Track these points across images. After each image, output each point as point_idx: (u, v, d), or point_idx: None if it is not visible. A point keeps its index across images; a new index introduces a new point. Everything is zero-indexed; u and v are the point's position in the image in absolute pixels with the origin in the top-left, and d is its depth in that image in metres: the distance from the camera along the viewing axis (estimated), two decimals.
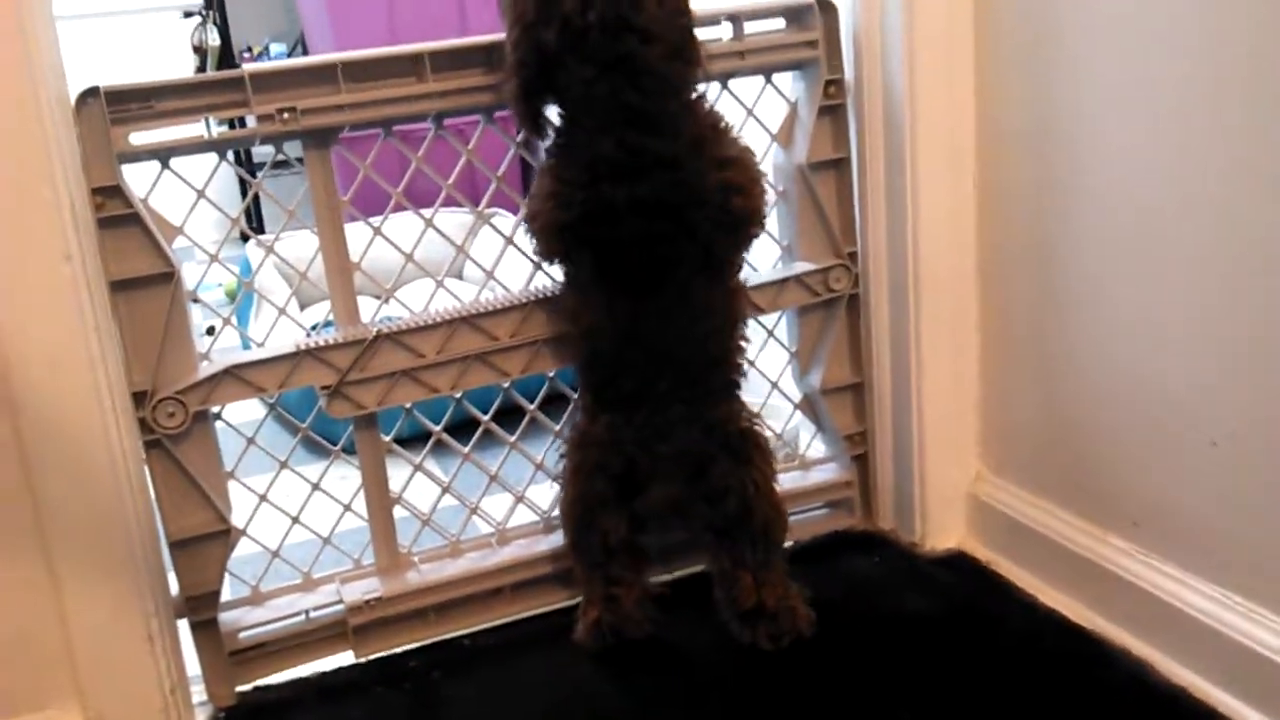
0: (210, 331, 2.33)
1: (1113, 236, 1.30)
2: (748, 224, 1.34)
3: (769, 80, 1.54)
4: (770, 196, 1.42)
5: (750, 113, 1.53)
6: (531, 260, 1.44)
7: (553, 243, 1.35)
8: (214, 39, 3.95)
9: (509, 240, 1.50)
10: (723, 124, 1.34)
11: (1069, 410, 1.41)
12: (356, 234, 1.44)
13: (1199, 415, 1.23)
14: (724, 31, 1.47)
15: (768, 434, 1.45)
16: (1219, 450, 1.21)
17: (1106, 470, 1.37)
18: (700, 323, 1.35)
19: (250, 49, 4.07)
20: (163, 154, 1.31)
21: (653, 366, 1.34)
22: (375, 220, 1.44)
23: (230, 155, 1.39)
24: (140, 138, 1.28)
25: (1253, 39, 1.09)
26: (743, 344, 1.41)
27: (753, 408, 1.45)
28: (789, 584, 1.42)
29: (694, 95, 1.31)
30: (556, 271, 1.43)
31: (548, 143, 1.34)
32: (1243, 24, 1.10)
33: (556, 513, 1.56)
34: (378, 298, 1.56)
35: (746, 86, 1.53)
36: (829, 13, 1.50)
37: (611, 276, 1.32)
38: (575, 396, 1.48)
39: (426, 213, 1.46)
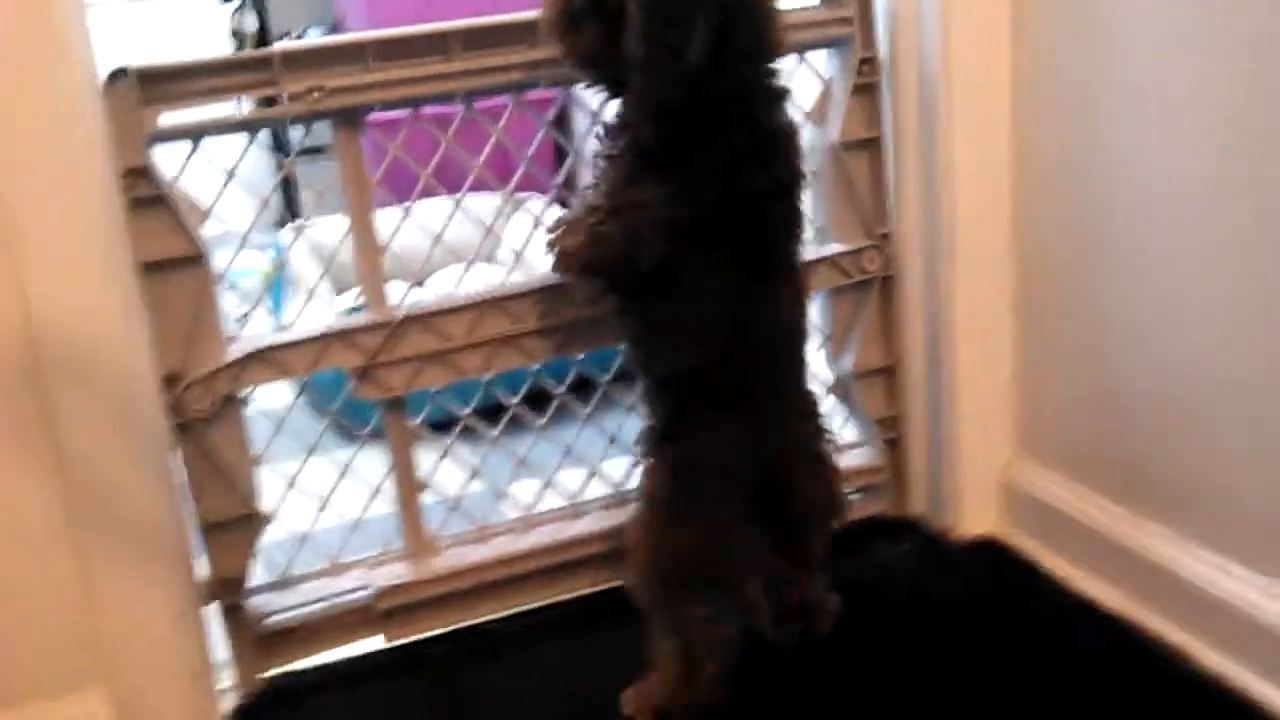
0: (245, 316, 2.34)
1: (1151, 218, 1.27)
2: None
3: (803, 58, 1.52)
4: None
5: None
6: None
7: (652, 247, 1.20)
8: (252, 24, 3.96)
9: (539, 222, 1.49)
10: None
11: (1105, 394, 1.39)
12: (390, 218, 1.43)
13: (1238, 399, 1.20)
14: None
15: None
16: (1258, 435, 1.19)
17: (1142, 455, 1.34)
18: (802, 308, 1.31)
19: (289, 33, 4.07)
20: (193, 134, 1.31)
21: (769, 360, 1.27)
22: (406, 204, 1.44)
23: (265, 140, 1.38)
24: (170, 118, 1.28)
25: None
26: None
27: None
28: (825, 579, 1.39)
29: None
30: None
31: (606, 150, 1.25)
32: None
33: (586, 497, 1.56)
34: (410, 281, 1.55)
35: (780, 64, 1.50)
36: None
37: (739, 266, 1.22)
38: (653, 415, 1.31)
39: (456, 195, 1.46)
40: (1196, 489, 1.28)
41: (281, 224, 3.51)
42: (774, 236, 1.26)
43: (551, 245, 1.26)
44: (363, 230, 1.39)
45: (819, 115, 1.53)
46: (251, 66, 1.30)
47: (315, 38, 3.94)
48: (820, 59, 1.53)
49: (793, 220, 1.27)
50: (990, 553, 1.54)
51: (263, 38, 3.98)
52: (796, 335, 1.31)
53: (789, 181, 1.25)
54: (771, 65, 1.23)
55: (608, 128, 1.25)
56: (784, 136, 1.25)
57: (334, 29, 3.94)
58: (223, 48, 4.01)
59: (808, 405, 1.36)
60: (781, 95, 1.25)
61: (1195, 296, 1.23)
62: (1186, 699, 1.23)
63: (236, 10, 4.00)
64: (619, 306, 1.30)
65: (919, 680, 1.30)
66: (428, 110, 1.40)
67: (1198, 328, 1.24)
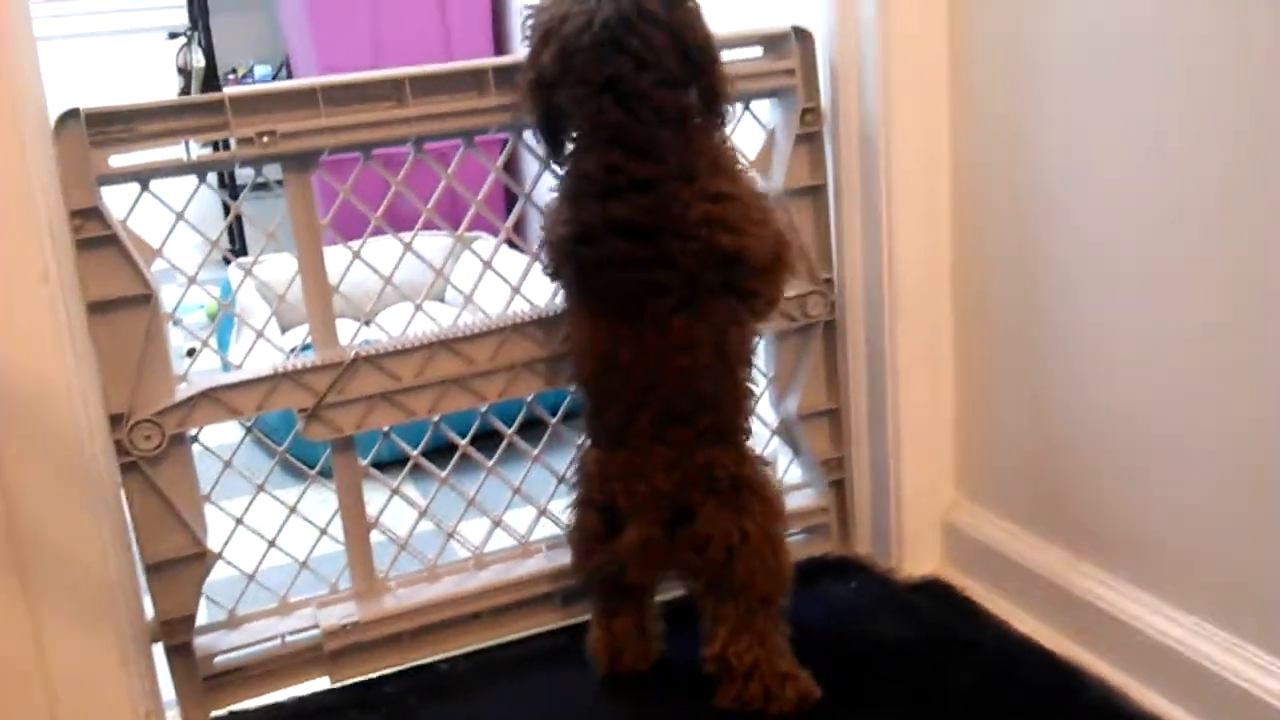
0: (191, 353, 2.33)
1: (1088, 261, 1.31)
2: (741, 263, 1.29)
3: (747, 108, 1.55)
4: (778, 239, 1.34)
5: (728, 140, 1.54)
6: (510, 284, 1.44)
7: (550, 258, 1.37)
8: (199, 60, 3.96)
9: (488, 264, 1.51)
10: (727, 159, 1.33)
11: (1044, 437, 1.42)
12: (339, 257, 1.44)
13: (1170, 444, 1.24)
14: None
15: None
16: (1190, 480, 1.22)
17: (1081, 497, 1.38)
18: (680, 358, 1.29)
19: (235, 71, 4.07)
20: (143, 176, 1.31)
21: (634, 398, 1.31)
22: (355, 243, 1.45)
23: (212, 178, 1.39)
24: (120, 160, 1.28)
25: (1227, 59, 1.11)
26: (745, 388, 1.36)
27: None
28: (774, 651, 1.33)
29: (700, 126, 1.30)
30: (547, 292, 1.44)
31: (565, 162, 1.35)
32: (1216, 46, 1.11)
33: (535, 537, 1.57)
34: (359, 320, 1.56)
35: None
36: (805, 41, 1.51)
37: (593, 297, 1.32)
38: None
39: (406, 236, 1.47)
40: (1131, 530, 1.31)
41: (228, 261, 3.49)
42: (642, 276, 1.27)
43: None
44: (312, 272, 1.40)
45: (763, 164, 1.56)
46: (202, 110, 1.31)
47: (262, 75, 3.94)
48: (764, 108, 1.56)
49: (659, 268, 1.27)
50: (933, 593, 1.56)
51: (209, 74, 3.97)
52: (683, 383, 1.30)
53: (649, 226, 1.26)
54: (657, 104, 1.25)
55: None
56: (644, 175, 1.26)
57: (282, 67, 3.95)
58: (169, 83, 4.00)
59: (712, 453, 1.32)
60: (648, 140, 1.26)
61: (1130, 343, 1.27)
62: None
63: (183, 47, 4.00)
64: None
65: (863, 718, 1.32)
66: (378, 150, 1.41)
67: (1132, 374, 1.27)
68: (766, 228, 1.33)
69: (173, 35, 4.07)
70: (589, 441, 1.40)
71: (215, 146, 1.43)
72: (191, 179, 1.37)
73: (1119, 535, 1.33)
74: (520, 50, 1.34)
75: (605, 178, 1.26)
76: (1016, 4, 1.34)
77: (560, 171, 1.35)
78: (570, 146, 1.33)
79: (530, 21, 1.32)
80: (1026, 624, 1.45)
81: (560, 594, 1.53)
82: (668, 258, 1.27)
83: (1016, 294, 1.42)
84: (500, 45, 3.42)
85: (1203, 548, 1.22)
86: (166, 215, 1.36)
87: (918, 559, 1.59)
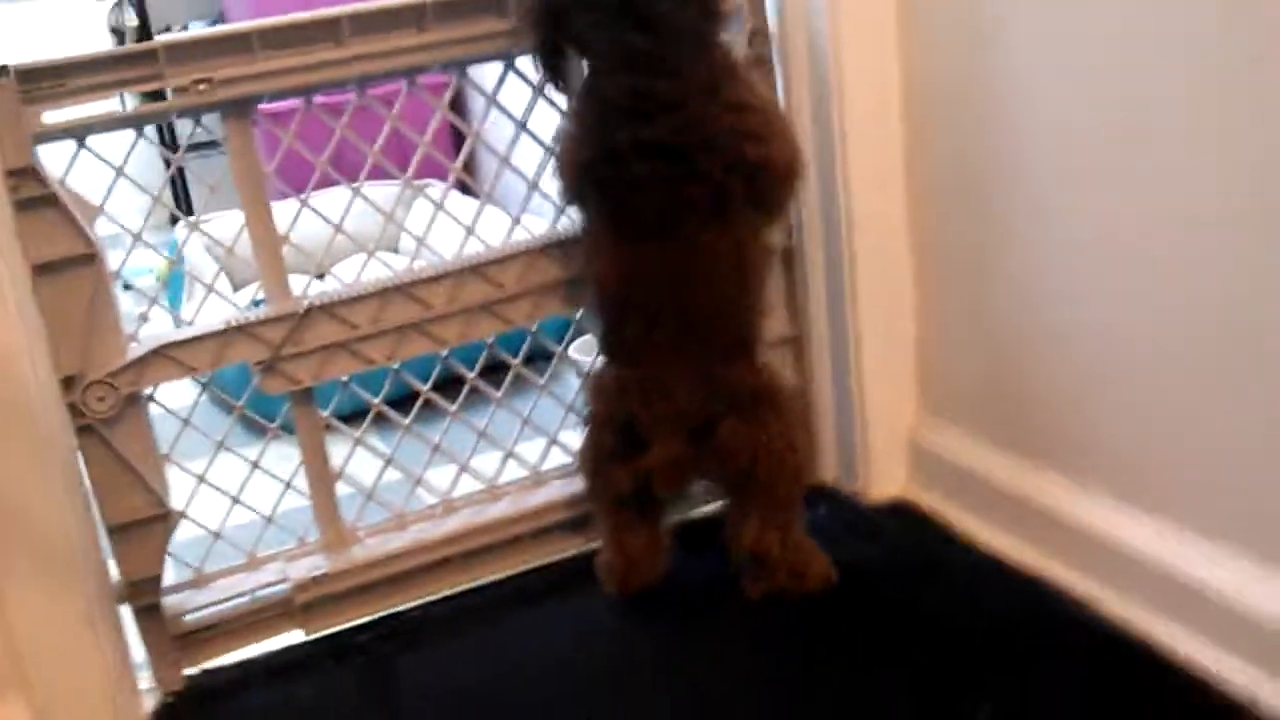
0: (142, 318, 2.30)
1: (1041, 176, 1.30)
2: (765, 171, 1.32)
3: None
4: (794, 147, 1.37)
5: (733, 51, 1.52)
6: (463, 226, 1.42)
7: (570, 182, 1.37)
8: (131, 19, 3.88)
9: (439, 206, 1.48)
10: (741, 69, 1.35)
11: (1003, 351, 1.42)
12: (287, 210, 1.42)
13: (1129, 352, 1.24)
14: None
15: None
16: (1149, 386, 1.22)
17: (1044, 408, 1.38)
18: (706, 274, 1.33)
19: (169, 28, 3.99)
20: (79, 132, 1.28)
21: (654, 317, 1.33)
22: (303, 194, 1.42)
23: (151, 134, 1.36)
24: (54, 116, 1.25)
25: None
26: (760, 301, 1.39)
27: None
28: (797, 540, 1.41)
29: (710, 40, 1.31)
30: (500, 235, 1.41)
31: (576, 88, 1.37)
32: None
33: (503, 480, 1.57)
34: (311, 274, 1.53)
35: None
36: None
37: (619, 219, 1.33)
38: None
39: (355, 184, 1.44)
40: (1091, 438, 1.32)
41: (174, 221, 3.44)
42: (673, 195, 1.28)
43: None
44: (259, 222, 1.37)
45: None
46: (136, 60, 1.28)
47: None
48: None
49: (691, 184, 1.28)
50: (902, 514, 1.56)
51: (143, 33, 3.89)
52: (707, 298, 1.33)
53: (680, 145, 1.27)
54: (670, 21, 1.26)
55: None
56: (672, 96, 1.26)
57: (217, 23, 3.87)
58: (102, 45, 3.92)
59: (731, 368, 1.36)
60: (671, 61, 1.26)
61: (1086, 252, 1.27)
62: (1091, 646, 1.26)
63: (114, 7, 3.91)
64: None
65: (836, 639, 1.32)
66: (320, 98, 1.39)
67: (1091, 282, 1.27)
68: (785, 135, 1.36)
69: None
70: (604, 361, 1.42)
71: (153, 99, 1.39)
72: (131, 136, 1.34)
73: (1083, 444, 1.34)
74: None
75: (631, 101, 1.27)
76: None
77: (568, 97, 1.37)
78: (583, 71, 1.34)
79: None
80: (995, 540, 1.45)
81: (530, 535, 1.53)
82: (699, 174, 1.28)
83: (971, 209, 1.41)
84: None
85: (1169, 453, 1.23)
86: (106, 173, 1.33)
87: (884, 481, 1.60)
